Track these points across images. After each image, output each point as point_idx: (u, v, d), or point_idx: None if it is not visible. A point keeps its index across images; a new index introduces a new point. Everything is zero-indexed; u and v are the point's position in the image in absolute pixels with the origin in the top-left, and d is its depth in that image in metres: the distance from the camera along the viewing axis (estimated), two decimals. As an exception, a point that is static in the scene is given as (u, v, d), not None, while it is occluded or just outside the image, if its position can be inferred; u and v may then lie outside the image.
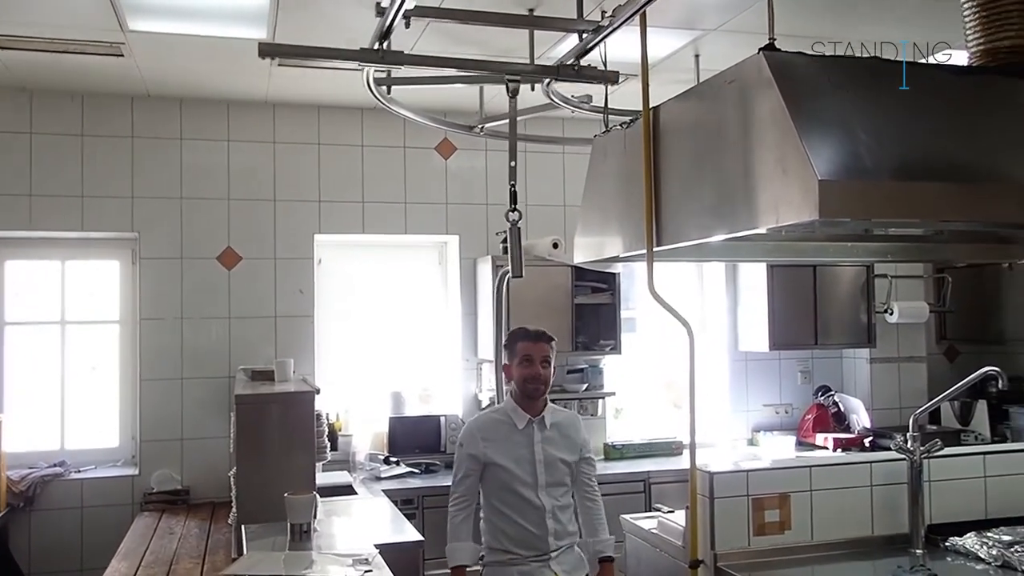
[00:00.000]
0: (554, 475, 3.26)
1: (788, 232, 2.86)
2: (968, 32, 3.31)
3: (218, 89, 5.04)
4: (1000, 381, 3.23)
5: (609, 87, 3.54)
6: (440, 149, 5.63)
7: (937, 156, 2.52)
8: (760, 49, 2.44)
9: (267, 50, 2.80)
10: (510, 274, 3.24)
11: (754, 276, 5.74)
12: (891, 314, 5.79)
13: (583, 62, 3.01)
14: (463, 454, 3.28)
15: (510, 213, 3.25)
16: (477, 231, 5.65)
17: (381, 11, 2.87)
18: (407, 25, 2.90)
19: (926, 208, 2.43)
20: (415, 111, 4.38)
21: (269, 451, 3.69)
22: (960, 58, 3.43)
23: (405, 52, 2.98)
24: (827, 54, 2.53)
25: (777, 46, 2.46)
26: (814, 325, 5.67)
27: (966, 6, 3.32)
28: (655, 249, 2.96)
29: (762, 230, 2.47)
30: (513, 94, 3.13)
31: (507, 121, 4.66)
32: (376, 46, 2.95)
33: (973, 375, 3.27)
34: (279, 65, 4.49)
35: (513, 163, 3.18)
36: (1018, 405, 5.61)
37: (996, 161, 2.60)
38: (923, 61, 3.00)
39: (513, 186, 3.15)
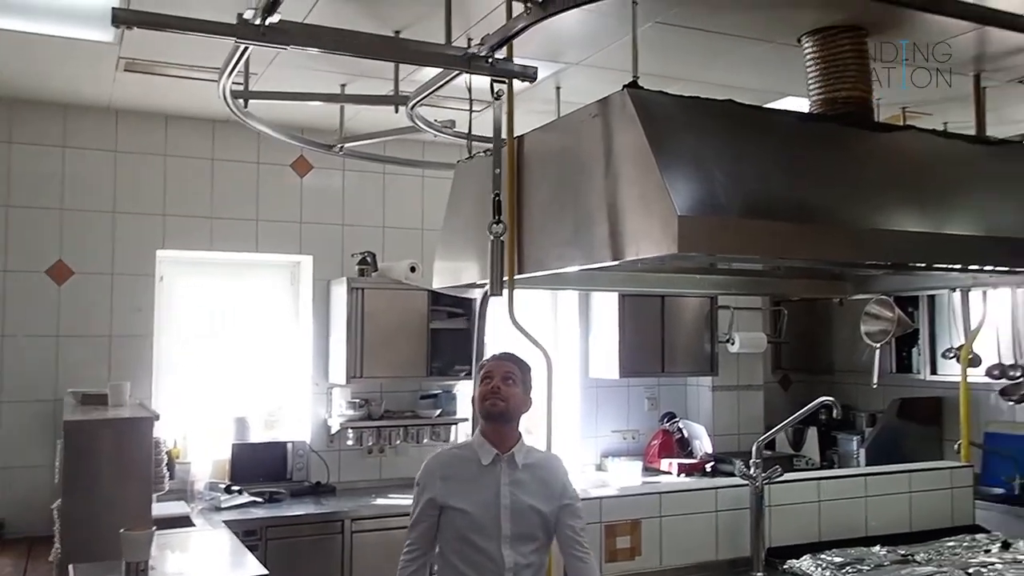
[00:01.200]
0: (522, 526, 2.70)
1: (642, 264, 2.93)
2: (810, 82, 3.52)
3: (55, 92, 4.73)
4: (834, 410, 3.41)
5: (472, 113, 3.55)
6: (296, 166, 5.49)
7: (782, 197, 2.65)
8: (624, 86, 2.50)
9: (123, 17, 2.48)
10: (489, 292, 2.97)
11: (606, 305, 5.88)
12: (732, 344, 6.06)
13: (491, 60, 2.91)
14: (419, 496, 2.76)
15: (494, 225, 2.83)
16: (332, 252, 5.53)
17: (244, 23, 2.77)
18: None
19: (772, 246, 2.55)
20: (272, 126, 4.24)
21: (100, 482, 3.44)
22: (803, 105, 3.64)
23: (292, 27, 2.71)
24: (686, 95, 2.62)
25: (640, 84, 2.53)
26: (661, 353, 5.86)
27: (808, 58, 3.53)
28: (516, 277, 2.97)
29: (621, 262, 2.53)
30: (498, 95, 2.92)
31: (367, 141, 4.64)
32: (236, 60, 2.83)
33: (811, 404, 3.44)
34: (126, 71, 4.26)
35: (498, 170, 2.87)
36: (845, 432, 5.98)
37: (832, 203, 2.76)
38: (771, 106, 3.16)
39: (497, 195, 2.83)
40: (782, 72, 4.00)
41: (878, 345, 4.54)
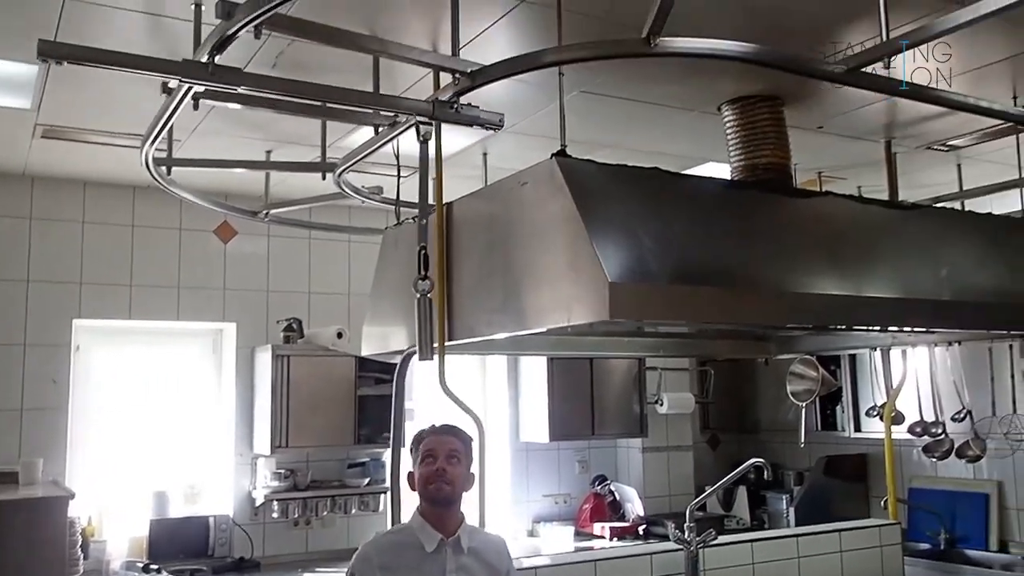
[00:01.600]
0: None
1: (572, 329, 2.94)
2: (731, 148, 3.63)
3: (-34, 158, 4.58)
4: (765, 472, 3.44)
5: (400, 179, 3.55)
6: (219, 232, 5.39)
7: (709, 262, 2.70)
8: (553, 155, 2.53)
9: (47, 50, 2.21)
10: (416, 356, 2.73)
11: (535, 368, 5.87)
12: (661, 405, 6.09)
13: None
14: None
15: (420, 282, 2.59)
16: (256, 319, 5.41)
17: (168, 90, 2.73)
18: (195, 107, 2.76)
19: (700, 311, 2.59)
20: (195, 192, 4.17)
21: (11, 565, 3.25)
22: (724, 170, 3.75)
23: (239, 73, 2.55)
24: (612, 163, 2.66)
25: (568, 152, 2.56)
26: (591, 416, 5.86)
27: (728, 125, 3.64)
28: (446, 344, 2.95)
29: (552, 328, 2.53)
30: (425, 139, 2.74)
31: (293, 207, 4.58)
32: (160, 127, 2.78)
33: (742, 467, 3.47)
34: (43, 137, 4.15)
35: (424, 221, 2.70)
36: (774, 491, 6.03)
37: (757, 268, 2.82)
38: (694, 172, 3.24)
39: (422, 248, 2.62)
40: (704, 138, 4.11)
41: (803, 404, 4.62)
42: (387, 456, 5.50)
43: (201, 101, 2.76)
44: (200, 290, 5.29)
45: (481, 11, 2.81)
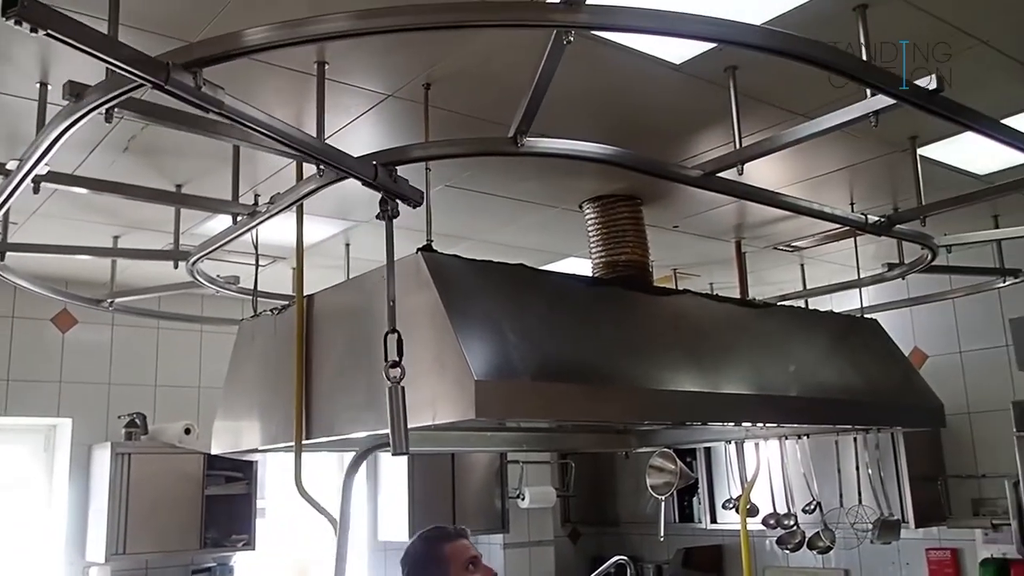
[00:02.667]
0: None
1: (435, 425, 2.86)
2: (592, 245, 3.70)
3: None
4: (628, 569, 3.42)
5: (259, 268, 3.44)
6: (57, 321, 5.04)
7: (572, 360, 2.71)
8: (419, 249, 2.50)
9: None
10: (390, 450, 2.29)
11: (395, 464, 5.71)
12: (523, 499, 6.02)
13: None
14: None
15: (390, 369, 2.20)
16: (96, 414, 5.04)
17: (5, 172, 2.55)
18: (35, 190, 2.59)
19: (564, 409, 2.58)
20: (32, 279, 3.89)
21: None
22: (585, 265, 3.81)
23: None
24: (476, 256, 2.65)
25: (434, 246, 2.54)
26: (452, 511, 5.72)
27: (589, 223, 3.73)
28: (304, 442, 2.81)
29: (417, 426, 2.45)
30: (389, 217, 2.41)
31: (140, 296, 4.35)
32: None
33: (606, 564, 3.44)
34: None
35: (392, 302, 2.32)
36: (634, 586, 6.02)
37: (618, 365, 2.85)
38: (556, 268, 3.28)
39: (393, 331, 2.20)
40: (566, 234, 4.19)
41: (663, 497, 4.65)
42: (236, 560, 5.18)
43: (42, 184, 2.60)
44: (33, 383, 4.90)
45: (347, 103, 2.79)
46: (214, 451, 3.34)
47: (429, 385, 2.37)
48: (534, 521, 6.28)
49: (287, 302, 3.16)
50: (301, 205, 2.76)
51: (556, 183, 3.57)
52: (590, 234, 3.72)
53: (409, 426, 2.44)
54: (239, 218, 3.09)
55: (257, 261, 3.17)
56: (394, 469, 5.72)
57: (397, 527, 5.65)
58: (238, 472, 5.08)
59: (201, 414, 5.03)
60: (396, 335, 2.20)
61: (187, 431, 4.89)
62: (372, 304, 2.65)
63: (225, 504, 5.04)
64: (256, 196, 3.46)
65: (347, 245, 4.38)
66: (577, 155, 2.41)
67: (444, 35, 2.32)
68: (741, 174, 2.66)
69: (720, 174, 2.73)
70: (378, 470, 5.91)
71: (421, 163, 2.67)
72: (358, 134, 2.98)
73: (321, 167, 2.32)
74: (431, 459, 5.66)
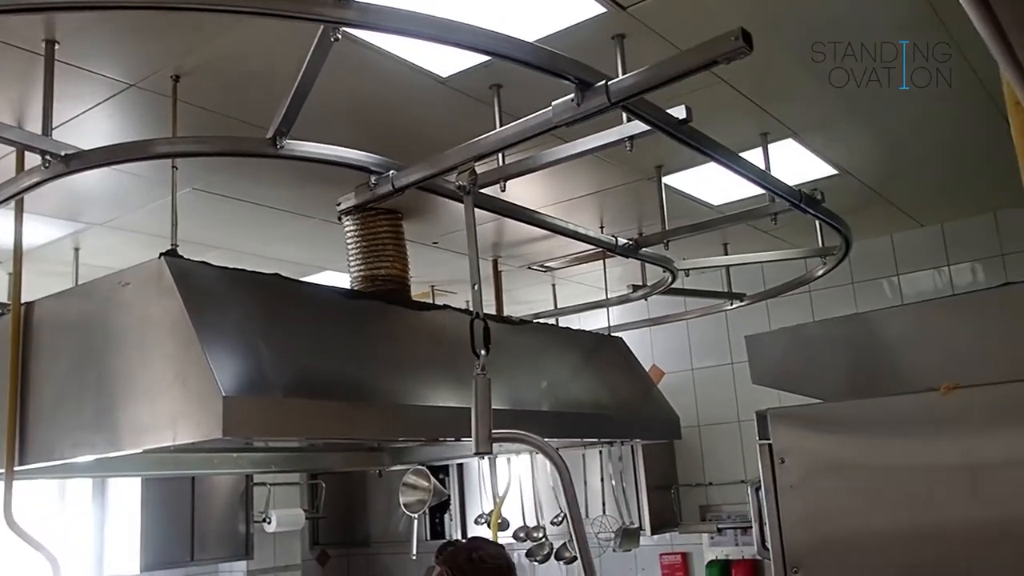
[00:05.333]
0: None
1: (175, 447, 2.65)
2: (350, 258, 3.59)
3: None
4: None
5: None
6: None
7: (328, 375, 2.60)
8: (162, 254, 2.30)
9: None
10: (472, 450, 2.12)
11: (126, 489, 5.25)
12: (269, 523, 5.74)
13: None
14: None
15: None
16: None
17: None
18: None
19: (318, 426, 2.47)
20: None
21: None
22: (343, 279, 3.70)
23: None
24: (229, 266, 2.48)
25: (179, 252, 2.34)
26: (191, 539, 5.34)
27: (348, 236, 3.62)
28: (16, 468, 2.49)
29: (152, 448, 2.24)
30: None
31: None
32: None
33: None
34: None
35: (476, 286, 2.20)
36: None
37: (375, 381, 2.78)
38: (313, 280, 3.15)
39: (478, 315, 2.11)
40: (323, 246, 4.06)
41: (415, 515, 4.61)
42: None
43: None
44: None
45: (82, 90, 2.52)
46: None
47: (169, 402, 2.17)
48: (281, 545, 6.01)
49: (3, 310, 2.80)
50: (21, 200, 2.46)
51: (314, 192, 3.44)
52: (349, 247, 3.61)
53: (145, 447, 2.23)
54: (-56, 213, 2.70)
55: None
56: (124, 494, 5.25)
57: (127, 559, 5.19)
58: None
59: None
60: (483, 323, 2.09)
61: None
62: (105, 314, 2.40)
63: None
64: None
65: (76, 249, 3.97)
66: (339, 161, 2.32)
67: (196, 22, 2.15)
68: (503, 191, 2.68)
69: (482, 191, 2.75)
70: (106, 496, 5.40)
71: (167, 161, 2.47)
72: (95, 124, 2.70)
73: (47, 157, 2.07)
74: (168, 483, 5.26)
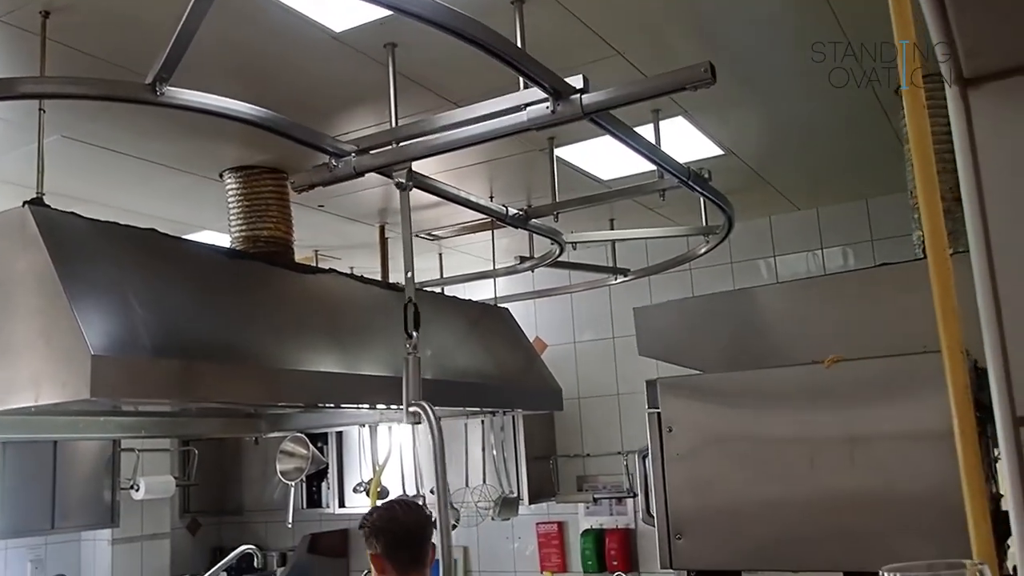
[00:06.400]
0: None
1: (36, 408, 2.51)
2: (232, 218, 3.48)
3: None
4: (255, 559, 3.26)
5: None
6: None
7: (205, 336, 2.51)
8: (26, 203, 2.15)
9: None
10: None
11: (-20, 454, 4.95)
12: (137, 490, 5.53)
13: None
14: None
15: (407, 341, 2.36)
16: None
17: None
18: None
19: (193, 388, 2.38)
20: None
21: None
22: (223, 240, 3.57)
23: None
24: (103, 219, 2.35)
25: (47, 202, 2.20)
26: (52, 507, 5.09)
27: (230, 194, 3.50)
28: None
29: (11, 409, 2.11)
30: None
31: None
32: None
33: (232, 554, 3.25)
34: None
35: (409, 273, 2.48)
36: (256, 574, 5.80)
37: (254, 344, 2.71)
38: (194, 239, 3.02)
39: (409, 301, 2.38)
40: (203, 205, 3.91)
41: (292, 483, 4.53)
42: None
43: None
44: None
45: (-63, 23, 2.32)
46: None
47: (32, 360, 2.05)
48: (149, 513, 5.80)
49: None
50: None
51: (195, 147, 3.29)
52: (230, 206, 3.50)
53: (4, 408, 2.10)
54: None
55: None
56: (-21, 460, 4.96)
57: (-21, 527, 4.92)
58: None
59: None
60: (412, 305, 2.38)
61: None
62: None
63: None
64: None
65: (-71, 196, 3.70)
66: (224, 112, 2.21)
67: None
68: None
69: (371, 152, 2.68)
70: (-42, 462, 5.09)
71: (33, 104, 2.32)
72: (-50, 62, 2.50)
73: None
74: (28, 447, 5.00)
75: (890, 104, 3.29)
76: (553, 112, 2.19)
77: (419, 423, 2.30)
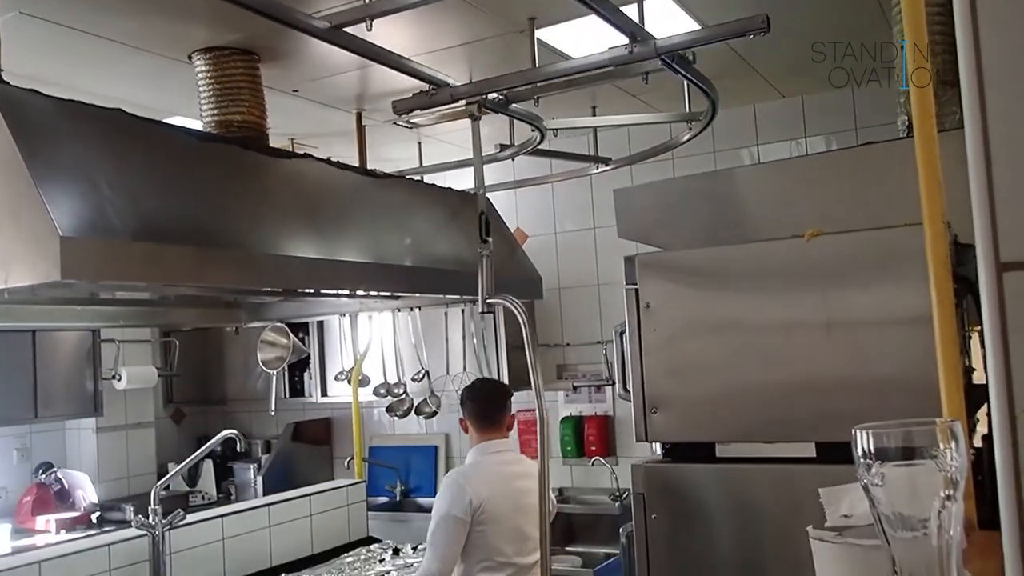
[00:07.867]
0: None
1: (10, 295, 2.48)
2: (202, 102, 3.38)
3: None
4: (238, 443, 3.30)
5: None
6: None
7: (179, 219, 2.47)
8: (-15, 78, 2.07)
9: None
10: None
11: (-41, 344, 4.94)
12: (119, 380, 5.56)
13: None
14: None
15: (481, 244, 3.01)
16: None
17: None
18: None
19: (167, 272, 2.35)
20: None
21: None
22: (195, 126, 3.48)
23: None
24: (66, 98, 2.27)
25: (6, 79, 2.12)
26: (34, 396, 5.12)
27: (200, 77, 3.39)
28: None
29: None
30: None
31: None
32: None
33: (214, 440, 3.28)
34: None
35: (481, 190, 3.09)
36: (241, 461, 5.91)
37: (230, 228, 2.67)
38: (166, 121, 2.94)
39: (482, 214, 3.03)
40: (173, 89, 3.79)
41: (274, 372, 4.56)
42: None
43: None
44: None
45: None
46: None
47: (2, 242, 2.01)
48: (132, 403, 5.86)
49: None
50: None
51: (162, 27, 3.16)
52: (201, 90, 3.39)
53: (-26, 291, 2.07)
54: None
55: None
56: (-42, 350, 4.95)
57: (-38, 416, 4.95)
58: None
59: None
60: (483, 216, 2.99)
61: None
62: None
63: None
64: None
65: None
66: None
67: None
68: (370, 30, 2.53)
69: (349, 30, 2.59)
70: (-63, 352, 5.08)
71: (-12, -26, 2.20)
72: None
73: None
74: (7, 338, 4.99)
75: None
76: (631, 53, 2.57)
77: (491, 312, 2.80)
